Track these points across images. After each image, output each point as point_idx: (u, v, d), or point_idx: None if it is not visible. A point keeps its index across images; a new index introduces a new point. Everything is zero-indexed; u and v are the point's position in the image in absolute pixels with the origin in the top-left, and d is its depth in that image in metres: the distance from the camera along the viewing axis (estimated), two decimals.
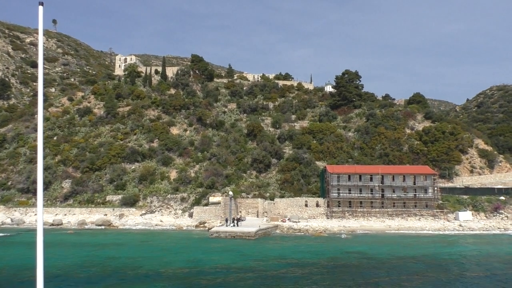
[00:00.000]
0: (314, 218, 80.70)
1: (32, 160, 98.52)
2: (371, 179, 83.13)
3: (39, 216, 7.11)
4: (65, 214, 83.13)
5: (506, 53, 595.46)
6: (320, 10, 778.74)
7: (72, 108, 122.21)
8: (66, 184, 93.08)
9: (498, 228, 73.04)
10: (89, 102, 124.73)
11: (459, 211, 79.30)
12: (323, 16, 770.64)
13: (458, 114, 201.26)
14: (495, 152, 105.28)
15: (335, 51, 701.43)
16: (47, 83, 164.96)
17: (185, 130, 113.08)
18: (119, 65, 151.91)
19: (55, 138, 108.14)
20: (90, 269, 37.67)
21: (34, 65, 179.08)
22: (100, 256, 44.02)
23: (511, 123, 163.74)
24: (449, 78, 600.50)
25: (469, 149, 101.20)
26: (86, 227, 76.81)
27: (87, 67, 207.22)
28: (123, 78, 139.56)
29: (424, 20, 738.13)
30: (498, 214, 79.38)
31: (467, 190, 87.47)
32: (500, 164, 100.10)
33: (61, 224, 77.66)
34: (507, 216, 78.41)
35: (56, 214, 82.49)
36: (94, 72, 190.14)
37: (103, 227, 76.68)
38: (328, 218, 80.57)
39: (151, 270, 36.92)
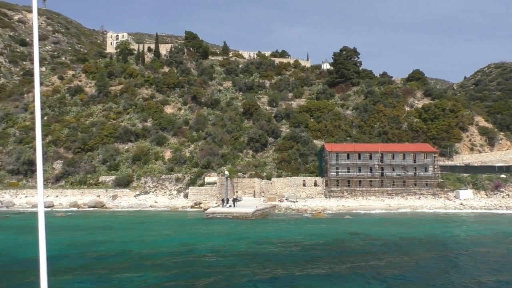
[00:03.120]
0: (312, 197, 79.17)
1: (22, 141, 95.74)
2: (370, 158, 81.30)
3: (40, 202, 6.34)
4: (57, 196, 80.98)
5: (504, 30, 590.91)
6: None
7: (62, 87, 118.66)
8: (58, 165, 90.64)
9: (500, 206, 71.79)
10: (80, 81, 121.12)
11: (460, 189, 77.98)
12: None
13: (456, 92, 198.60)
14: (496, 130, 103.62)
15: (331, 29, 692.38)
16: None
17: (180, 109, 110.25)
18: (111, 43, 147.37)
19: (45, 118, 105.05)
20: (77, 255, 35.59)
21: (24, 43, 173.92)
22: (90, 240, 41.91)
23: (509, 101, 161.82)
24: (446, 56, 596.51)
25: (469, 126, 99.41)
26: (78, 208, 74.76)
27: (78, 45, 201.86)
28: (115, 56, 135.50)
29: None
30: (498, 192, 78.12)
31: (467, 168, 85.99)
32: (500, 141, 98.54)
33: (53, 206, 75.51)
34: (508, 195, 77.14)
35: (47, 196, 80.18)
36: (85, 51, 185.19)
37: (95, 208, 74.68)
38: (326, 197, 79.05)
39: (141, 256, 34.88)
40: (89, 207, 75.56)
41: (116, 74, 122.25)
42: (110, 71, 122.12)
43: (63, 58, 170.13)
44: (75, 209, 74.29)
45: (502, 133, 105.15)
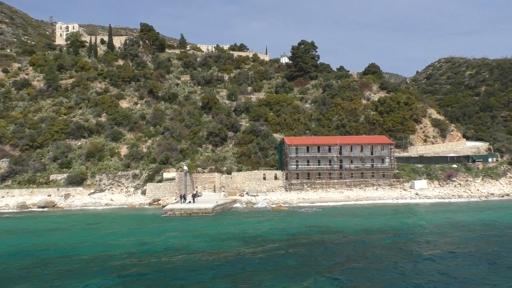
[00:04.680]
0: (273, 191, 78.89)
1: None
2: (329, 150, 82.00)
3: None
4: (3, 196, 75.86)
5: (454, 28, 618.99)
6: None
7: (7, 80, 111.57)
8: (3, 164, 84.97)
9: (452, 195, 74.68)
10: (27, 74, 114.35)
11: (415, 179, 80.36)
12: None
13: (409, 86, 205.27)
14: (447, 122, 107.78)
15: (289, 25, 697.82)
16: None
17: (136, 103, 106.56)
18: (60, 34, 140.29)
19: None
20: (19, 261, 32.63)
21: None
22: (36, 245, 38.84)
23: (458, 94, 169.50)
24: (400, 52, 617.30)
25: (422, 118, 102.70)
26: (27, 209, 70.33)
27: (25, 37, 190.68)
28: (65, 48, 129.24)
29: None
30: (451, 182, 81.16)
31: (421, 159, 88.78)
32: (451, 133, 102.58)
33: None
34: (459, 184, 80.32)
35: None
36: (33, 43, 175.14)
37: (46, 209, 70.59)
38: (287, 190, 79.02)
39: (91, 260, 32.45)
40: (39, 207, 71.35)
41: (67, 67, 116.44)
42: (60, 64, 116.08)
43: (8, 50, 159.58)
44: (23, 210, 69.81)
45: (453, 124, 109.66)
